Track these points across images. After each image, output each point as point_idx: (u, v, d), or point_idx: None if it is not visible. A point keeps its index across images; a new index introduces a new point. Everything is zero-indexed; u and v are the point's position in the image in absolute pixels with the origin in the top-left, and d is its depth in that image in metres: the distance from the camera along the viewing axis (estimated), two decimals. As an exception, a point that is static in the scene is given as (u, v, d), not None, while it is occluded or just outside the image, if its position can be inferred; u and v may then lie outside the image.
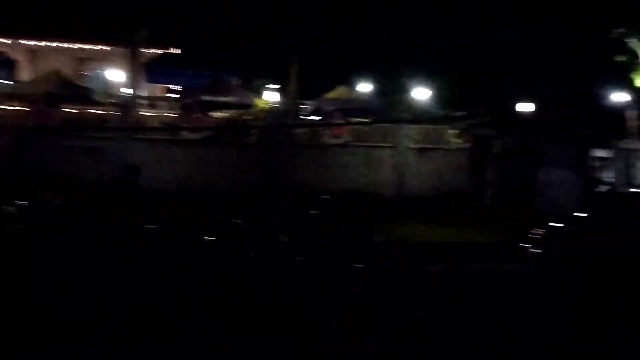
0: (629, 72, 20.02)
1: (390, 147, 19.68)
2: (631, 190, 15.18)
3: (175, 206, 14.93)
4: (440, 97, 19.49)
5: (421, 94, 19.23)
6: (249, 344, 6.18)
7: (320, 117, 22.90)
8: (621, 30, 18.68)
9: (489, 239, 13.59)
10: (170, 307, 7.21)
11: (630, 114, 21.15)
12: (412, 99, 20.06)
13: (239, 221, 12.88)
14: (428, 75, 18.84)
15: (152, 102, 22.01)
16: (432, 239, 13.41)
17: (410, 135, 19.67)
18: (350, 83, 24.45)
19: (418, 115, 19.62)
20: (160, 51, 22.11)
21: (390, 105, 20.76)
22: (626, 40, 19.10)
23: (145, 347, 6.07)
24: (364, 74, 23.32)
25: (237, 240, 11.40)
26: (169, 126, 19.12)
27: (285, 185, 17.26)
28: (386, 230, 13.29)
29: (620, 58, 19.54)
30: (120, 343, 6.03)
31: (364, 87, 23.87)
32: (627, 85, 20.49)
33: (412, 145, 19.57)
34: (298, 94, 22.46)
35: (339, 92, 24.21)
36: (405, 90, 19.62)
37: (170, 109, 21.52)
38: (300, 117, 22.98)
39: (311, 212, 14.82)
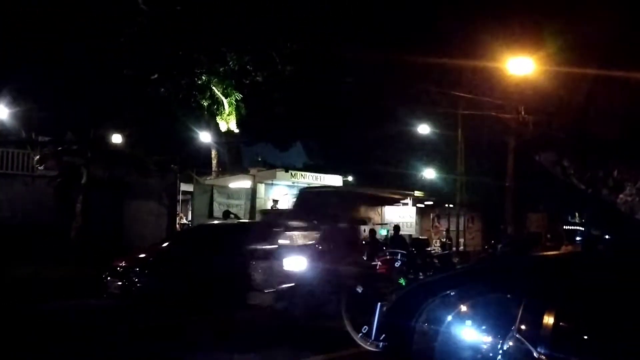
0: (214, 116, 22.27)
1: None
2: (208, 223, 16.57)
3: None
4: (25, 119, 17.56)
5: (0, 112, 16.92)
6: None
7: None
8: (205, 76, 20.62)
9: (74, 275, 12.86)
10: None
11: (215, 153, 23.54)
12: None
13: None
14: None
15: None
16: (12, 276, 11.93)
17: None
18: None
19: (-4, 136, 17.25)
20: None
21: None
22: (212, 86, 21.22)
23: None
24: None
25: None
26: None
27: None
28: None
29: (206, 102, 21.54)
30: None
31: None
32: (213, 126, 22.78)
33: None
34: None
35: None
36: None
37: None
38: None
39: None
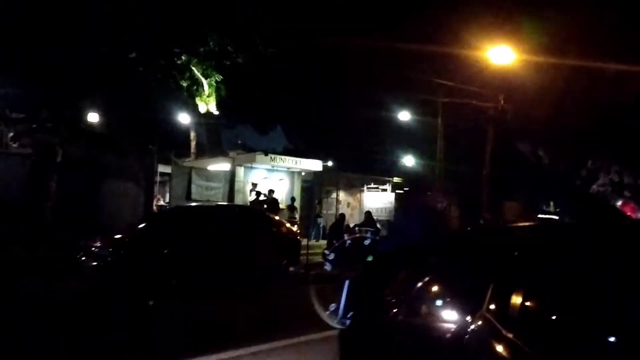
0: (193, 97, 22.01)
1: None
2: (186, 205, 16.44)
3: None
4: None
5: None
6: None
7: None
8: (185, 56, 20.34)
9: (47, 255, 12.64)
10: None
11: (194, 134, 23.31)
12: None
13: None
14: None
15: None
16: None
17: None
18: None
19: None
20: None
21: None
22: (191, 66, 20.94)
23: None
24: None
25: None
26: None
27: None
28: None
29: (185, 82, 21.27)
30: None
31: None
32: (192, 108, 22.53)
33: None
34: None
35: None
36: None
37: None
38: None
39: None
